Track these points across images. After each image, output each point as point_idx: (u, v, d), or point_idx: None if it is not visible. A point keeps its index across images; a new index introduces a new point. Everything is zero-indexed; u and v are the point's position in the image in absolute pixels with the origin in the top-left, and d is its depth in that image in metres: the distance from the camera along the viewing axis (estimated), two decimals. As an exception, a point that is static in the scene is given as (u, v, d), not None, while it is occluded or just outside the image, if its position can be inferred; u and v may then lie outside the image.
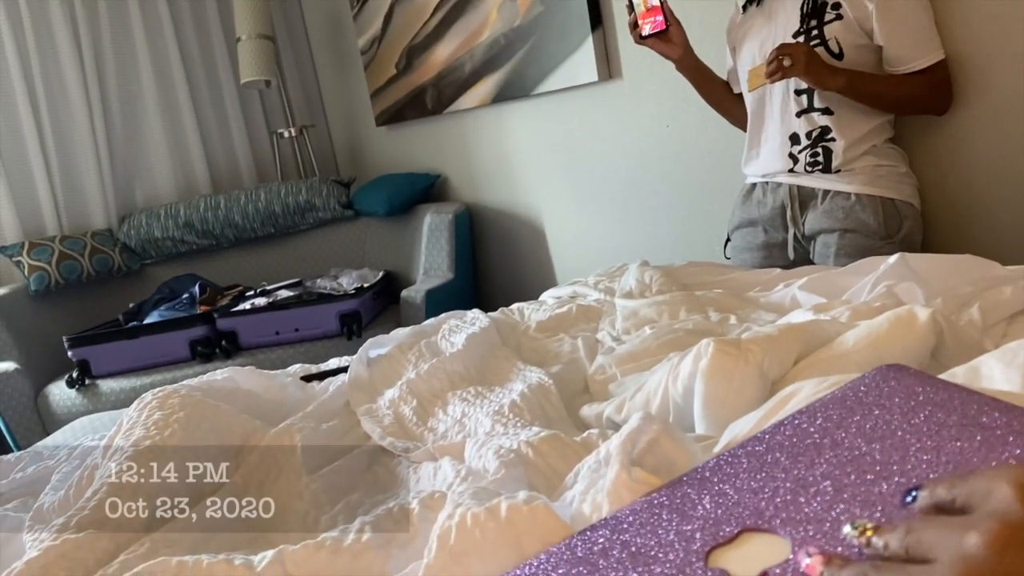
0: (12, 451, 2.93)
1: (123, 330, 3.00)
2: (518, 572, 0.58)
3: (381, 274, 3.30)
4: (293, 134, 3.93)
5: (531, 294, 3.22)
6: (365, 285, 3.15)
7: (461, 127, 3.42)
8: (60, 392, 2.92)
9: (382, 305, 3.23)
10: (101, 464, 1.06)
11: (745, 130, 1.99)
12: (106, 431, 1.92)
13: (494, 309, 1.90)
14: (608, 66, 2.65)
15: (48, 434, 2.90)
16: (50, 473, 1.32)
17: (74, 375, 2.91)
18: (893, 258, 1.38)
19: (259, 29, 3.60)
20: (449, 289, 3.08)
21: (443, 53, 3.31)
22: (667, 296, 1.58)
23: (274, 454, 1.09)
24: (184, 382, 1.28)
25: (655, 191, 2.66)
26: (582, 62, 2.68)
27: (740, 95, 1.99)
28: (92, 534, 0.83)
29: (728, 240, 2.09)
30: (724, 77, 2.07)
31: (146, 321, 3.07)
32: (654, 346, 1.31)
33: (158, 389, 1.18)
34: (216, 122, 3.90)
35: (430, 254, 3.23)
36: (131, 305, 3.24)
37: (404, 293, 3.02)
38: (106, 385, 2.89)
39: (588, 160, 2.87)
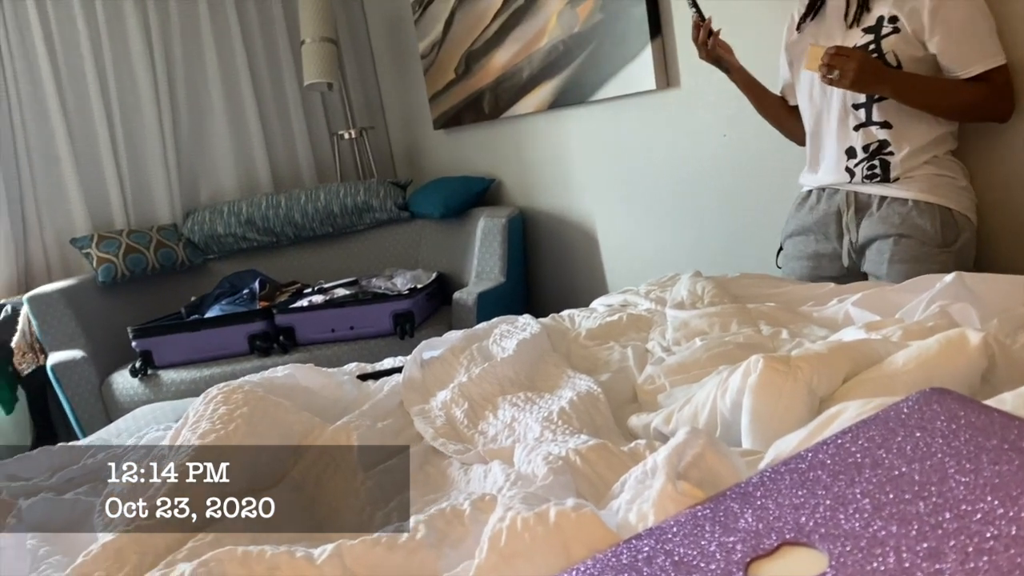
0: (77, 436, 3.06)
1: (185, 323, 3.10)
2: (565, 576, 0.60)
3: (434, 275, 3.36)
4: (353, 136, 4.01)
5: (582, 300, 3.24)
6: (419, 286, 3.21)
7: (517, 132, 3.45)
8: (123, 381, 3.03)
9: (434, 306, 3.28)
10: (168, 455, 1.12)
11: (799, 143, 1.99)
12: (167, 421, 2.00)
13: (544, 314, 1.93)
14: (666, 75, 2.65)
15: (111, 421, 3.01)
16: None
17: (137, 365, 3.01)
18: (949, 277, 1.37)
19: (323, 32, 3.69)
20: (500, 292, 3.12)
21: (502, 58, 3.34)
22: (718, 308, 1.59)
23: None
24: (246, 378, 1.33)
25: (709, 200, 2.65)
26: (640, 70, 2.69)
27: (795, 108, 1.99)
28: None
29: (781, 249, 2.09)
30: (778, 91, 2.07)
31: (207, 315, 3.17)
32: (704, 358, 1.32)
33: (223, 384, 1.24)
34: (279, 123, 4.01)
35: (483, 257, 3.27)
36: (193, 299, 3.34)
37: (456, 295, 3.07)
38: (167, 376, 2.99)
39: (642, 168, 2.88)
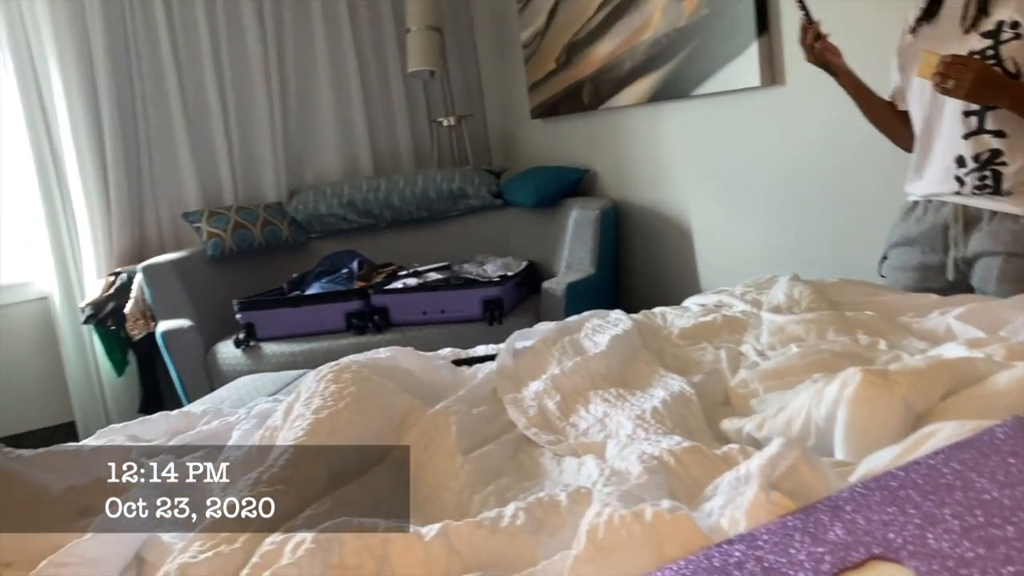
0: (182, 401, 3.24)
1: (287, 298, 3.24)
2: (660, 574, 0.64)
3: (524, 264, 3.40)
4: (452, 123, 4.08)
5: (672, 297, 3.24)
6: (509, 274, 3.26)
7: (615, 124, 3.46)
8: (227, 351, 3.18)
9: (523, 294, 3.33)
10: (282, 427, 1.20)
11: (908, 149, 1.94)
12: (267, 391, 2.11)
13: (633, 308, 1.94)
14: (772, 72, 2.62)
15: (213, 388, 3.18)
16: (231, 428, 1.49)
17: (241, 336, 3.16)
18: (1061, 297, 1.33)
19: (428, 21, 3.77)
20: (590, 284, 3.14)
21: (604, 50, 3.36)
22: (816, 314, 1.58)
23: (431, 433, 1.20)
24: (352, 358, 1.40)
25: (810, 202, 2.61)
26: (745, 66, 2.66)
27: (905, 114, 1.95)
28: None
29: (884, 258, 2.05)
30: (888, 96, 2.02)
31: (307, 292, 3.31)
32: (799, 365, 1.33)
33: (333, 364, 1.31)
34: (382, 108, 4.12)
35: (573, 248, 3.30)
36: (294, 275, 3.48)
37: (545, 284, 3.11)
38: (268, 348, 3.14)
39: (742, 166, 2.86)
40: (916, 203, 1.94)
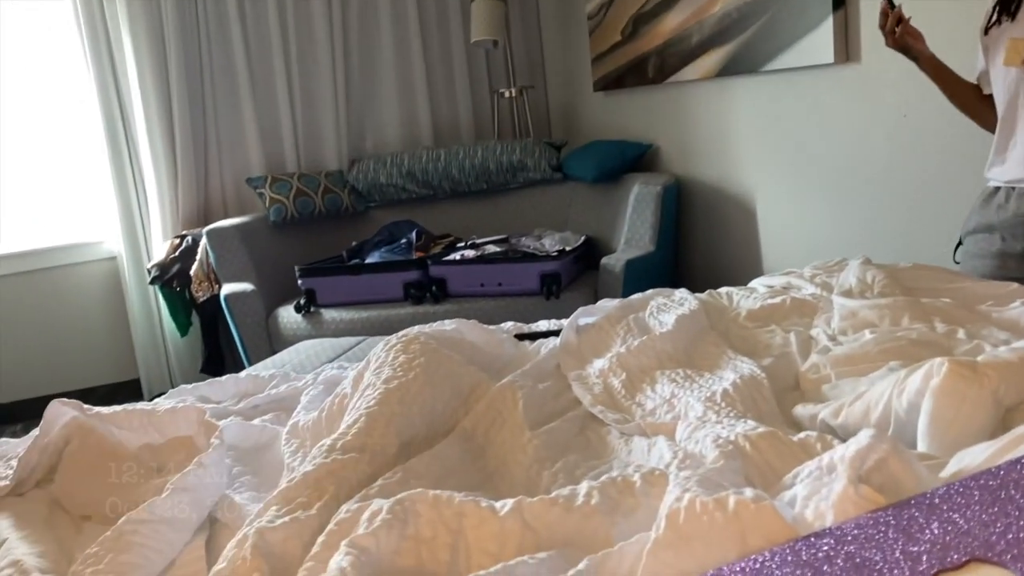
0: (243, 363, 3.31)
1: (347, 266, 3.27)
2: (744, 565, 0.63)
3: (583, 239, 3.38)
4: (513, 94, 4.05)
5: (734, 278, 3.19)
6: (567, 248, 3.24)
7: (680, 98, 3.39)
8: (288, 315, 3.24)
9: (581, 269, 3.31)
10: (352, 395, 1.21)
11: (993, 132, 1.87)
12: (327, 356, 2.14)
13: (693, 287, 1.91)
14: (847, 48, 2.54)
15: (274, 351, 3.24)
16: (298, 393, 1.51)
17: (301, 302, 3.21)
18: None
19: (492, -10, 3.73)
20: (649, 262, 3.11)
21: (671, 23, 3.29)
22: (890, 300, 1.53)
23: (498, 406, 1.20)
24: (419, 329, 1.41)
25: (883, 184, 2.54)
26: (818, 42, 2.58)
27: (990, 97, 1.87)
28: (354, 457, 0.97)
29: (960, 244, 1.99)
30: (973, 79, 1.94)
31: (367, 260, 3.34)
32: (874, 352, 1.29)
33: (400, 334, 1.32)
34: (443, 79, 4.11)
35: (633, 224, 3.26)
36: (353, 243, 3.52)
37: (604, 260, 3.08)
38: (328, 314, 3.18)
39: (812, 144, 2.78)
40: (997, 189, 1.87)
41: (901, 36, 1.87)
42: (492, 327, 1.69)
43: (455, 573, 0.76)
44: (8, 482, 1.20)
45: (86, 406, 1.29)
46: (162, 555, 0.96)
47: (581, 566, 0.69)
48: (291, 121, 3.86)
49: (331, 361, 2.08)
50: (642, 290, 1.81)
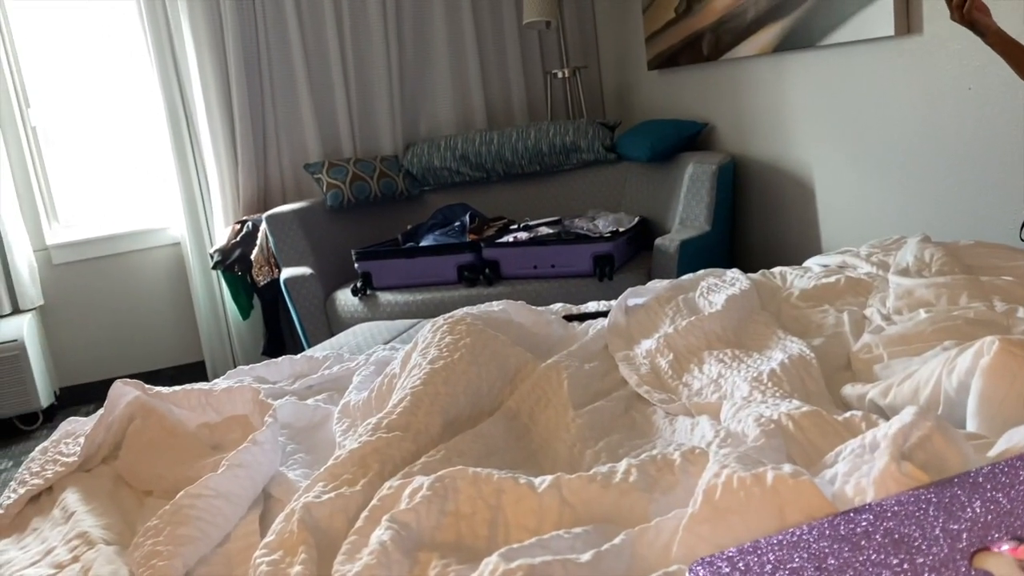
0: (303, 345, 3.39)
1: (402, 249, 3.31)
2: (781, 537, 0.62)
3: (636, 219, 3.35)
4: (566, 75, 4.03)
5: (791, 257, 3.13)
6: (620, 229, 3.22)
7: (736, 75, 3.33)
8: (345, 298, 3.29)
9: (634, 250, 3.29)
10: (400, 375, 1.23)
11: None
12: (382, 339, 2.18)
13: (749, 268, 1.89)
14: (907, 20, 2.46)
15: (332, 334, 3.31)
16: (351, 374, 1.54)
17: (358, 285, 3.26)
18: None
19: (545, -29, 3.71)
20: (704, 242, 3.07)
21: (725, -1, 3.22)
22: (948, 278, 1.49)
23: (543, 386, 1.21)
24: (466, 310, 1.43)
25: (945, 160, 2.46)
26: (878, 14, 2.50)
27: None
28: (399, 436, 0.99)
29: (1026, 221, 1.92)
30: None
31: (421, 243, 3.37)
32: (928, 331, 1.26)
33: (447, 315, 1.34)
34: (496, 61, 4.10)
35: (688, 204, 3.22)
36: (408, 227, 3.55)
37: (658, 241, 3.05)
38: (384, 297, 3.22)
39: (872, 120, 2.71)
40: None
41: (968, 10, 1.79)
42: (540, 308, 1.69)
43: (494, 548, 0.77)
44: (76, 458, 1.26)
45: (147, 386, 1.34)
46: (218, 528, 1.00)
47: (617, 540, 0.69)
48: (346, 107, 3.91)
49: (386, 343, 2.11)
50: (697, 271, 1.80)
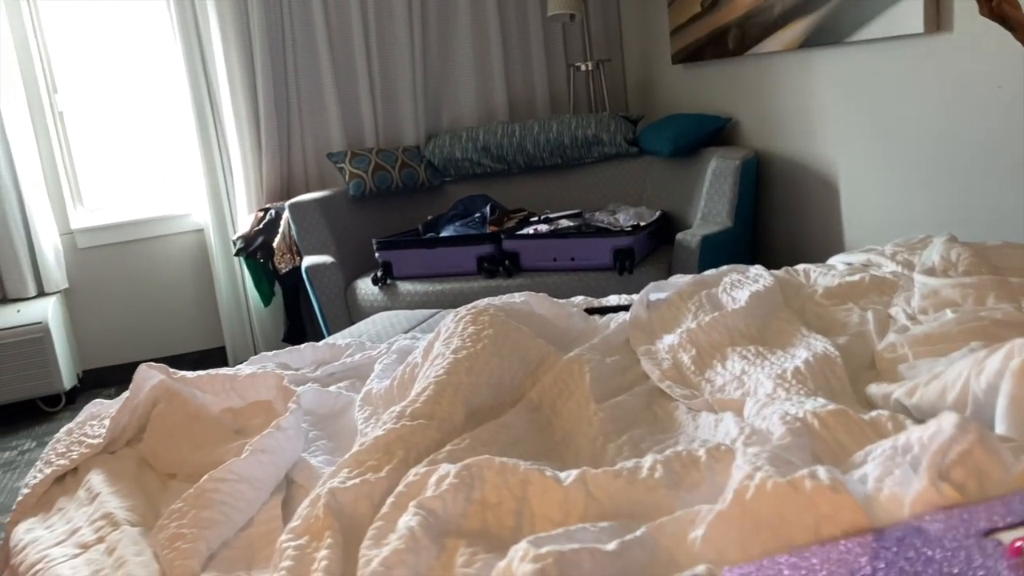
0: (323, 332, 3.41)
1: (422, 240, 3.32)
2: (819, 554, 0.61)
3: (658, 214, 3.34)
4: (589, 68, 4.01)
5: (814, 254, 3.10)
6: (641, 223, 3.21)
7: (761, 71, 3.31)
8: (365, 287, 3.31)
9: (655, 245, 3.28)
10: (422, 364, 1.24)
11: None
12: (402, 328, 2.18)
13: (771, 265, 1.87)
14: (937, 17, 2.43)
15: (353, 322, 3.32)
16: (372, 362, 1.55)
17: (378, 274, 3.27)
18: None
19: (570, -37, 3.69)
20: (726, 237, 3.06)
21: (752, -7, 3.20)
22: (974, 278, 1.48)
23: (565, 378, 1.21)
24: (488, 301, 1.43)
25: (973, 159, 2.43)
26: (908, 11, 2.48)
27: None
28: (423, 424, 0.99)
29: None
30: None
31: (442, 234, 3.37)
32: (954, 332, 1.25)
33: (470, 305, 1.34)
34: (519, 53, 4.10)
35: (710, 199, 3.21)
36: (429, 217, 3.56)
37: (679, 236, 3.04)
38: (404, 286, 3.24)
39: (899, 118, 2.68)
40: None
41: (998, 4, 1.77)
42: (562, 300, 1.69)
43: (519, 538, 0.77)
44: (101, 440, 1.27)
45: (172, 370, 1.35)
46: (241, 512, 1.01)
47: (639, 532, 0.70)
48: (370, 97, 3.92)
49: (405, 332, 2.12)
50: (718, 266, 1.79)
